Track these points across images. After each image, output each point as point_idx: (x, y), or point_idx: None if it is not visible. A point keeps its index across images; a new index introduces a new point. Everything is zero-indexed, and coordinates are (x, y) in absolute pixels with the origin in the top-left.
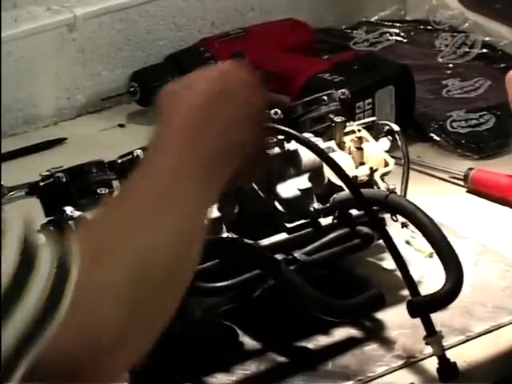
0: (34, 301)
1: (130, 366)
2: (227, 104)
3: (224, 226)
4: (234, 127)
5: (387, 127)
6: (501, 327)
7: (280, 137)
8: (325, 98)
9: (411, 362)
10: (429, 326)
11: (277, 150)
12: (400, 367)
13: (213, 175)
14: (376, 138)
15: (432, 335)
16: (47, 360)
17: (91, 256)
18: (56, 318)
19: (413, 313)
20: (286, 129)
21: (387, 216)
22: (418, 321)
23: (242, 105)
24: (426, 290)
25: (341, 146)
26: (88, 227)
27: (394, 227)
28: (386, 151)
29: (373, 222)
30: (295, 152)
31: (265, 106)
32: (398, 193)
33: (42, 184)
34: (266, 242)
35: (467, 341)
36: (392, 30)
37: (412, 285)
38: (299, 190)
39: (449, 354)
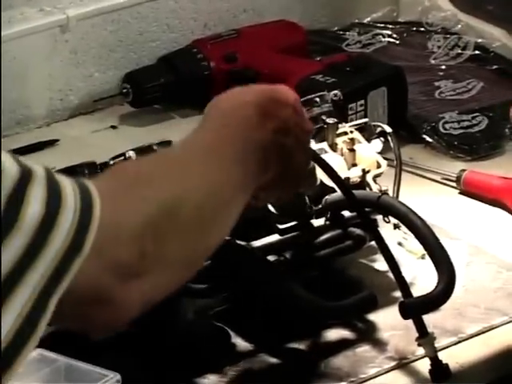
0: (64, 234)
1: (148, 301)
2: (279, 111)
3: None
4: (283, 132)
5: (379, 128)
6: (493, 328)
7: None
8: (317, 99)
9: (403, 364)
10: (421, 327)
11: None
12: (392, 369)
13: (252, 163)
14: (368, 140)
15: (424, 336)
16: (73, 289)
17: (123, 187)
18: (84, 250)
19: (405, 314)
20: None
21: (379, 217)
22: (410, 322)
23: (292, 119)
24: (418, 291)
25: (333, 147)
26: (124, 165)
27: (387, 229)
28: (379, 152)
29: (365, 224)
30: None
31: (310, 133)
32: (391, 194)
33: None
34: (258, 243)
35: (459, 342)
36: (384, 32)
37: (404, 286)
38: None
39: (441, 355)
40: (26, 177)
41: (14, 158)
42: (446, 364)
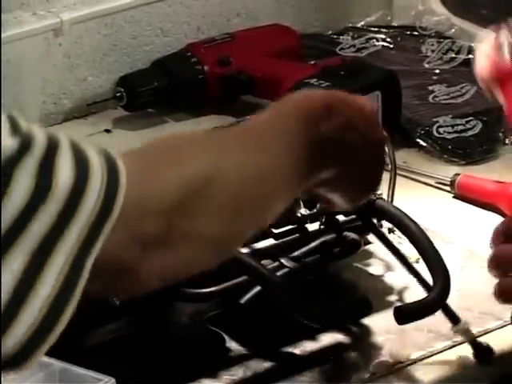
0: (94, 199)
1: (168, 273)
2: (346, 109)
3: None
4: (347, 128)
5: None
6: (487, 333)
7: None
8: None
9: (398, 368)
10: (452, 315)
11: None
12: (387, 373)
13: (306, 156)
14: None
15: (457, 324)
16: (99, 259)
17: (154, 160)
18: (113, 214)
19: (400, 319)
20: None
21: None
22: (404, 326)
23: (359, 119)
24: (412, 296)
25: None
26: (161, 138)
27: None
28: None
29: (368, 227)
30: None
31: (382, 140)
32: (385, 198)
33: None
34: (252, 247)
35: (454, 346)
36: (378, 36)
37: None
38: None
39: (436, 358)
40: (53, 144)
41: (39, 127)
42: (487, 344)
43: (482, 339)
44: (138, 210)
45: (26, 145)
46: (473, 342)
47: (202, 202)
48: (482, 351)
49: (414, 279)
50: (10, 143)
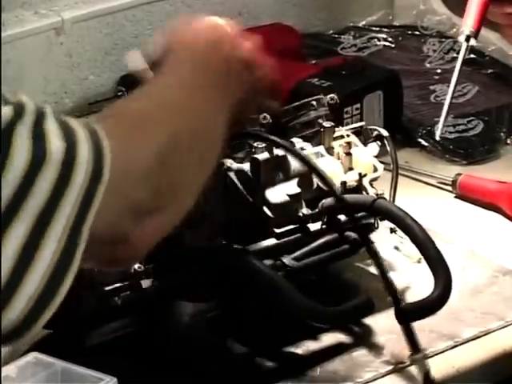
0: (85, 164)
1: (160, 235)
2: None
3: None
4: (233, 61)
5: (376, 132)
6: (489, 333)
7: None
8: (313, 102)
9: (399, 368)
10: (413, 343)
11: (266, 155)
12: (388, 373)
13: (221, 94)
14: (365, 143)
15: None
16: (92, 229)
17: (129, 126)
18: (104, 177)
19: (401, 319)
20: (269, 136)
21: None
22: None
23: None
24: (414, 295)
25: (329, 151)
26: (125, 104)
27: (383, 233)
28: (375, 156)
29: (357, 228)
30: (284, 157)
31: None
32: (387, 198)
33: None
34: (255, 247)
35: (455, 346)
36: (380, 35)
37: (394, 293)
38: (288, 195)
39: (437, 359)
40: (41, 113)
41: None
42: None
43: (483, 339)
44: (126, 176)
45: (18, 112)
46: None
47: (178, 157)
48: None
49: (412, 281)
50: (4, 111)
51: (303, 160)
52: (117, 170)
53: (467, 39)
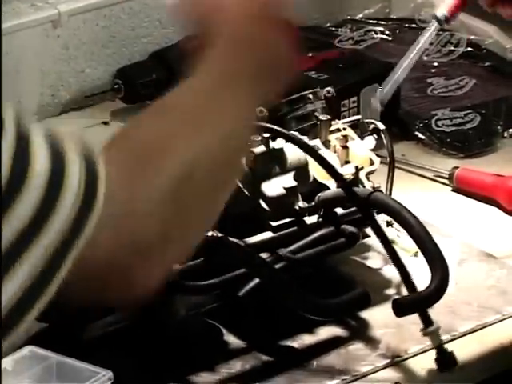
0: (74, 189)
1: (165, 272)
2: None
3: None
4: (272, 46)
5: (373, 125)
6: (486, 326)
7: (265, 135)
8: (310, 96)
9: (396, 361)
10: (425, 317)
11: (262, 148)
12: (385, 366)
13: (256, 86)
14: (361, 137)
15: (429, 326)
16: (85, 259)
17: (134, 159)
18: (91, 218)
19: (398, 312)
20: (274, 127)
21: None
22: (402, 320)
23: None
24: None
25: (326, 144)
26: (133, 131)
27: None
28: (372, 149)
29: (366, 218)
30: (280, 150)
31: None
32: (383, 191)
33: None
34: (251, 240)
35: (452, 340)
36: (377, 28)
37: (408, 281)
38: (284, 188)
39: (434, 352)
40: (26, 135)
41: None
42: (451, 352)
43: (480, 333)
44: (128, 214)
45: None
46: (439, 346)
47: (189, 190)
48: (446, 357)
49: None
50: None
51: (309, 149)
52: (118, 207)
53: (439, 21)
